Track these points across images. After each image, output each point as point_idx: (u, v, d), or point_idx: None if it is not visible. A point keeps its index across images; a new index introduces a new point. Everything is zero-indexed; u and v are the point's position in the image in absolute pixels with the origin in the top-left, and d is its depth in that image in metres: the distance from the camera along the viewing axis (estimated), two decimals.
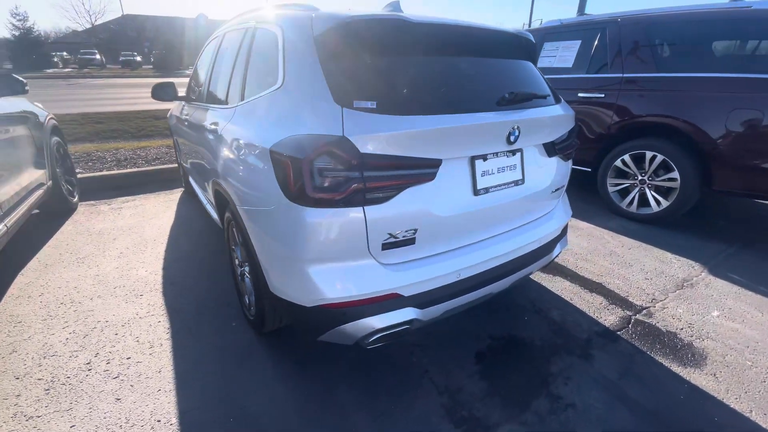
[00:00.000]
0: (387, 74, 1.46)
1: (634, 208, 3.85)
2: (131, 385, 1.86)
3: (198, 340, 2.15)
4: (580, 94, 4.09)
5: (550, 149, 1.88)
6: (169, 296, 2.57)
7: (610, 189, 4.02)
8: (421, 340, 2.16)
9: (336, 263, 1.40)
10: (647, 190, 3.76)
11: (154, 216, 3.93)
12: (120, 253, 3.14)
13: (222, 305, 2.45)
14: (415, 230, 1.46)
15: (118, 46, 44.75)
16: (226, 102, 2.16)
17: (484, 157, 1.60)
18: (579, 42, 4.19)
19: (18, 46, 31.84)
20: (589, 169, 4.22)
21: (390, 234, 1.41)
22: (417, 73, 1.52)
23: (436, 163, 1.43)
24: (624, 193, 3.96)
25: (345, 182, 1.29)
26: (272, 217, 1.46)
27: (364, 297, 1.42)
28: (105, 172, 4.94)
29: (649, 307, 2.53)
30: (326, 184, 1.28)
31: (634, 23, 3.78)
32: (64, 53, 40.15)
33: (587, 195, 4.64)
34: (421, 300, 1.54)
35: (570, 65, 4.26)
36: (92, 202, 4.30)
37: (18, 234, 3.41)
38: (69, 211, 3.96)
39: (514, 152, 1.71)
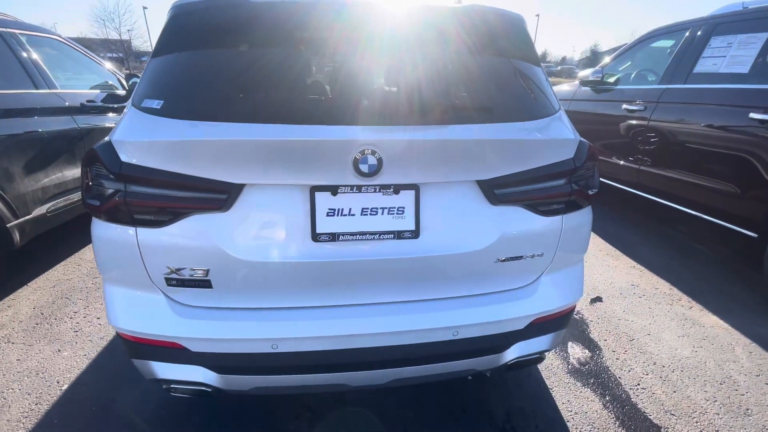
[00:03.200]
0: (194, 67, 1.15)
1: None
2: (75, 343, 2.12)
3: None
4: (752, 115, 2.57)
5: (489, 193, 1.16)
6: None
7: None
8: (321, 405, 1.73)
9: (125, 287, 1.20)
10: None
11: None
12: None
13: None
14: (206, 271, 1.11)
15: None
16: None
17: (333, 190, 1.09)
18: (767, 35, 2.63)
19: None
20: (755, 235, 2.63)
21: (170, 269, 1.12)
22: (238, 68, 1.15)
23: (226, 188, 1.04)
24: None
25: (106, 194, 1.07)
26: None
27: (142, 336, 1.18)
28: None
29: None
30: (94, 193, 1.10)
31: None
32: None
33: (742, 274, 2.93)
34: (217, 363, 1.18)
35: (745, 70, 2.73)
36: None
37: None
38: None
39: (396, 189, 1.11)
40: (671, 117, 3.25)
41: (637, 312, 2.49)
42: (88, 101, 3.20)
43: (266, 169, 1.05)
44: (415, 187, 1.13)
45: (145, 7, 43.68)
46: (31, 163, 2.61)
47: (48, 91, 2.86)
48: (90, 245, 3.26)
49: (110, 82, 3.72)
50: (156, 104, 1.08)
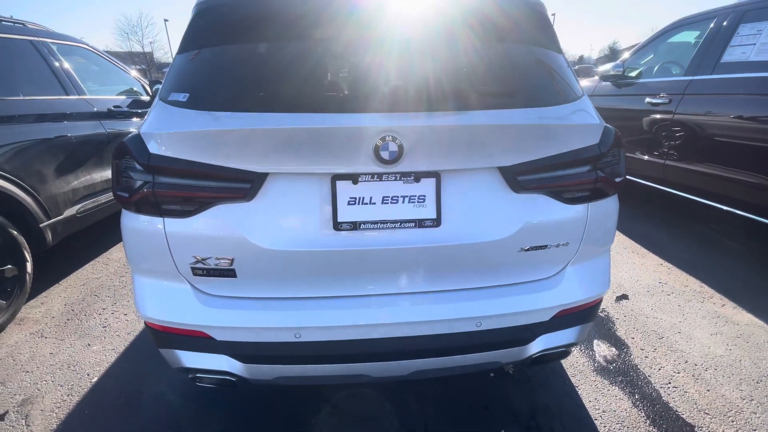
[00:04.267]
0: (218, 61, 1.17)
1: None
2: (103, 338, 2.19)
3: None
4: None
5: (512, 180, 1.14)
6: None
7: None
8: (341, 399, 1.72)
9: (153, 278, 1.23)
10: None
11: None
12: None
13: None
14: (231, 260, 1.13)
15: None
16: None
17: (354, 179, 1.10)
18: None
19: None
20: None
21: (196, 258, 1.14)
22: (261, 61, 1.16)
23: (249, 177, 1.06)
24: None
25: (135, 186, 1.10)
26: None
27: (169, 325, 1.20)
28: None
29: None
30: (124, 185, 1.13)
31: None
32: None
33: None
34: (241, 351, 1.20)
35: None
36: None
37: None
38: None
39: (417, 177, 1.11)
40: (698, 109, 3.13)
41: (665, 310, 2.40)
42: (114, 107, 3.31)
43: (288, 158, 1.06)
44: (436, 175, 1.12)
45: (166, 20, 45.24)
46: (62, 166, 2.71)
47: (77, 97, 2.98)
48: (117, 245, 3.38)
49: (135, 89, 3.85)
50: (182, 97, 1.11)
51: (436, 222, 1.14)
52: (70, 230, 2.83)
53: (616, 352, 2.03)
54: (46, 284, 2.74)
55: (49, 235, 2.60)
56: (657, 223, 3.74)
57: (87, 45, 3.43)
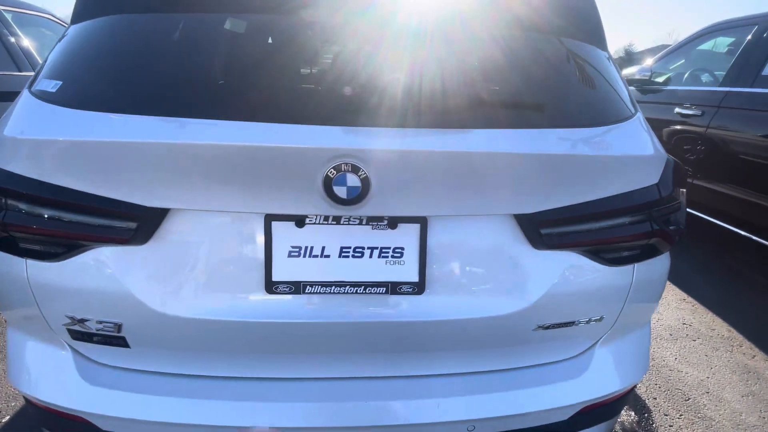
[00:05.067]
0: (111, 37, 0.82)
1: None
2: None
3: None
4: None
5: (533, 232, 0.78)
6: None
7: None
8: None
9: (28, 335, 0.90)
10: None
11: None
12: None
13: None
14: (119, 326, 0.79)
15: None
16: None
17: (299, 221, 0.74)
18: None
19: None
20: None
21: (72, 318, 0.80)
22: (170, 41, 0.81)
23: (136, 214, 0.71)
24: None
25: None
26: None
27: (43, 403, 0.87)
28: None
29: None
30: None
31: None
32: None
33: None
34: None
35: None
36: None
37: None
38: None
39: (391, 221, 0.76)
40: (735, 124, 2.77)
41: (691, 361, 2.06)
42: None
43: (197, 187, 0.71)
44: (420, 221, 0.76)
45: None
46: None
47: (32, 73, 2.62)
48: None
49: None
50: (52, 87, 0.76)
51: (418, 287, 0.78)
52: None
53: (636, 419, 1.69)
54: None
55: None
56: (679, 251, 3.37)
57: (51, 15, 3.06)
